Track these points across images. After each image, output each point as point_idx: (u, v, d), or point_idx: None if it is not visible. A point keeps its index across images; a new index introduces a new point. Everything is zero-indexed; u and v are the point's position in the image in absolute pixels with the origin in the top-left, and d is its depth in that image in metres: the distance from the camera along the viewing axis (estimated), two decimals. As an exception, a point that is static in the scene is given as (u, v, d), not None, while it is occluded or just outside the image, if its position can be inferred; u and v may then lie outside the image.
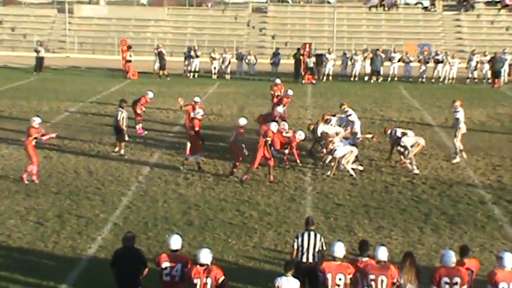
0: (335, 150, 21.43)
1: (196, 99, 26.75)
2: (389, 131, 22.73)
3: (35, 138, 20.66)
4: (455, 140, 23.42)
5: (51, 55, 49.37)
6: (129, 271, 12.22)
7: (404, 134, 22.43)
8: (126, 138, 24.14)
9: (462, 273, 11.78)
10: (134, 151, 24.36)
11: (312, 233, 13.07)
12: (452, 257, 11.90)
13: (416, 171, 21.96)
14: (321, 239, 13.04)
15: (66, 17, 55.49)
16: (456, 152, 23.45)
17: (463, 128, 23.41)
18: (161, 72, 43.04)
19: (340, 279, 11.79)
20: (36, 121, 20.93)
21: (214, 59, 43.53)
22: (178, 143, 25.54)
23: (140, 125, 26.89)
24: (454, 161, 23.33)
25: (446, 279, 11.70)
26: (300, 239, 13.00)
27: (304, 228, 13.49)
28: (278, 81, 31.56)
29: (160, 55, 43.38)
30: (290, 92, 29.00)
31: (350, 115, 23.66)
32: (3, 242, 16.28)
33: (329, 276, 11.80)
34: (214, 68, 43.55)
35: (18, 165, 22.24)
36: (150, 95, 27.63)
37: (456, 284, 11.68)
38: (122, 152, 23.75)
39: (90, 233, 16.81)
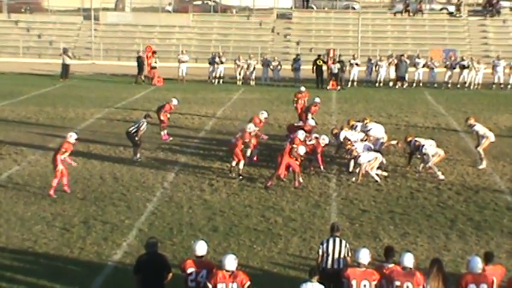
0: (359, 156, 21.37)
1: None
2: (409, 139, 22.61)
3: (64, 152, 20.27)
4: (479, 147, 23.31)
5: (77, 62, 49.67)
6: (153, 277, 12.22)
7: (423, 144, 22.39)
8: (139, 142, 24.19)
9: (489, 279, 11.70)
10: (159, 157, 24.43)
11: (337, 239, 13.06)
12: (478, 263, 11.83)
13: (442, 176, 21.83)
14: (346, 245, 13.02)
15: (92, 23, 55.80)
16: (481, 158, 23.30)
17: (491, 137, 23.24)
18: (139, 76, 43.61)
19: (364, 285, 11.75)
20: (73, 137, 20.77)
21: (239, 66, 43.64)
22: (203, 149, 25.62)
23: (165, 131, 26.98)
24: (480, 166, 23.18)
25: (472, 285, 11.62)
26: (325, 245, 12.99)
27: (329, 234, 13.46)
28: (303, 88, 31.50)
29: (139, 60, 44.00)
30: (317, 100, 29.02)
31: (370, 130, 23.74)
32: (29, 247, 16.38)
33: (354, 282, 11.76)
34: (239, 74, 43.63)
35: (44, 171, 22.37)
36: (175, 101, 27.74)
37: None
38: (138, 155, 23.85)
39: (115, 239, 16.88)
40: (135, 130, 23.81)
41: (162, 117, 26.88)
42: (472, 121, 23.56)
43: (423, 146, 21.98)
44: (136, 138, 23.79)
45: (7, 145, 25.87)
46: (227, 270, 11.62)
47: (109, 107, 34.20)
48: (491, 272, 11.94)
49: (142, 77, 43.65)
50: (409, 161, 22.98)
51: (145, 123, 24.05)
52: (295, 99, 30.58)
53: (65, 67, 45.08)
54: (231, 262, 11.69)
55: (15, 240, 16.77)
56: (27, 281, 14.62)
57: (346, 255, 12.90)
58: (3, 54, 54.24)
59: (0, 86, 40.88)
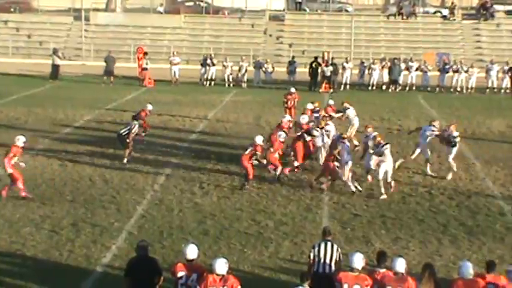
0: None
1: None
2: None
3: (13, 157, 19.78)
4: (451, 156, 22.61)
5: (67, 62, 49.41)
6: (143, 281, 12.09)
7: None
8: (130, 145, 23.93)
9: (480, 285, 11.60)
10: (150, 159, 24.25)
11: (329, 243, 12.96)
12: (469, 269, 11.77)
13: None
14: (337, 249, 12.93)
15: (83, 24, 55.57)
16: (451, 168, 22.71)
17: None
18: (105, 77, 43.45)
19: (356, 290, 11.64)
20: (21, 140, 20.22)
21: (226, 67, 43.52)
22: (194, 151, 25.45)
23: (143, 134, 26.47)
24: (448, 177, 22.50)
25: (463, 291, 11.53)
26: (316, 249, 12.90)
27: (321, 238, 13.33)
28: (293, 90, 31.28)
29: (107, 59, 44.03)
30: (309, 106, 27.17)
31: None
32: (18, 250, 16.21)
33: (345, 286, 11.69)
34: (228, 76, 43.51)
35: (33, 173, 22.18)
36: (149, 107, 27.25)
37: None
38: (127, 159, 23.63)
39: (104, 242, 16.71)
40: (126, 132, 23.62)
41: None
42: (452, 127, 22.97)
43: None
44: (128, 141, 23.59)
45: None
46: (218, 274, 11.52)
47: (99, 109, 33.99)
48: (489, 279, 11.83)
49: (112, 78, 43.38)
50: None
51: (137, 126, 23.94)
52: (285, 100, 30.50)
53: (55, 68, 44.83)
54: (221, 266, 11.57)
55: (3, 243, 16.59)
56: (15, 284, 14.46)
57: (337, 259, 12.78)
58: (-8, 54, 53.99)
59: (-11, 87, 40.61)
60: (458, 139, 22.45)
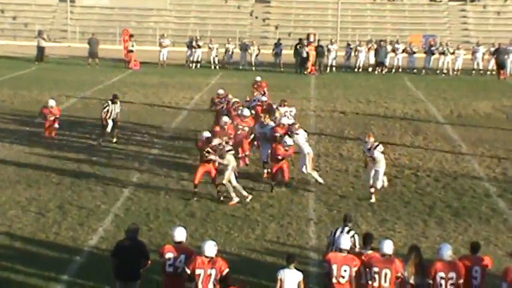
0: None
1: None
2: None
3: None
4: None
5: (53, 44, 49.14)
6: (130, 263, 12.11)
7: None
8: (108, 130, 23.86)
9: (459, 268, 11.64)
10: (136, 141, 24.20)
11: (346, 229, 13.05)
12: (448, 251, 11.83)
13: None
14: (353, 236, 12.96)
15: (68, 6, 55.29)
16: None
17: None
18: (90, 60, 43.52)
19: (345, 270, 11.68)
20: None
21: (211, 49, 43.43)
22: (180, 133, 25.39)
23: (53, 132, 24.58)
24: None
25: (441, 273, 11.58)
26: (332, 235, 13.07)
27: (342, 224, 13.41)
28: (259, 78, 28.60)
29: (91, 41, 44.06)
30: (264, 98, 24.49)
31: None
32: (4, 232, 16.15)
33: (334, 267, 11.70)
34: (214, 58, 43.39)
35: (19, 155, 22.12)
36: (51, 103, 24.83)
37: (451, 278, 11.57)
38: (101, 139, 23.67)
39: (91, 224, 16.68)
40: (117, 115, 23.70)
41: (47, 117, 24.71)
42: (371, 139, 18.89)
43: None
44: (104, 123, 23.60)
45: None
46: (206, 256, 11.54)
47: (85, 91, 33.83)
48: (474, 260, 11.88)
49: (96, 60, 43.44)
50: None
51: (110, 105, 23.76)
52: (253, 90, 27.48)
53: (40, 50, 44.64)
54: (210, 248, 11.60)
55: (-11, 225, 16.55)
56: (1, 265, 14.40)
57: (353, 246, 12.72)
58: (-23, 36, 53.67)
59: (-26, 69, 40.35)
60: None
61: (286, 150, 19.11)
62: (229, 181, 18.35)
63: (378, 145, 18.61)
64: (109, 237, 15.71)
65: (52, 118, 23.96)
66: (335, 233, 13.00)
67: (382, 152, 18.76)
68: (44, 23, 53.91)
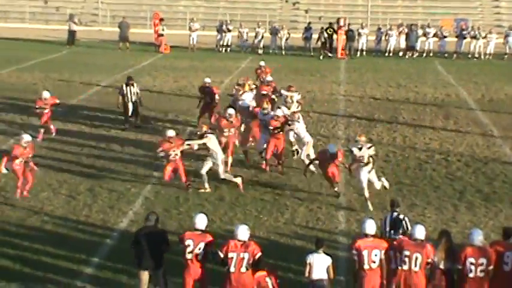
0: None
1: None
2: None
3: (16, 158, 17.16)
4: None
5: (84, 28, 49.37)
6: (151, 251, 12.09)
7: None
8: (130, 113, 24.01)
9: (490, 254, 11.54)
10: (167, 125, 24.26)
11: (395, 214, 13.11)
12: (479, 236, 11.69)
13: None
14: (403, 219, 13.03)
15: (99, -11, 55.50)
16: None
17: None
18: (121, 44, 43.70)
19: (376, 255, 11.62)
20: (25, 139, 17.50)
21: (241, 33, 43.55)
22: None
23: (42, 129, 22.70)
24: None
25: (471, 259, 11.45)
26: (382, 222, 13.17)
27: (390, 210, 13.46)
28: (262, 63, 28.47)
29: (121, 25, 44.07)
30: (270, 78, 25.41)
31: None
32: (35, 214, 16.33)
33: (365, 253, 11.59)
34: (244, 42, 43.43)
35: (51, 138, 22.29)
36: (45, 94, 23.13)
37: (482, 264, 11.47)
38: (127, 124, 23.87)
39: (121, 207, 16.81)
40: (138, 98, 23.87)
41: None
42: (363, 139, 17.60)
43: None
44: (120, 107, 23.80)
45: (13, 113, 25.78)
46: (239, 240, 11.55)
47: (115, 75, 33.98)
48: (506, 246, 11.75)
49: (127, 44, 43.61)
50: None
51: (124, 89, 23.83)
52: (256, 75, 27.63)
53: (72, 33, 44.89)
54: (243, 232, 11.62)
55: (21, 207, 16.71)
56: (33, 248, 14.57)
57: (405, 229, 12.79)
58: (10, 20, 54.06)
59: (7, 52, 40.69)
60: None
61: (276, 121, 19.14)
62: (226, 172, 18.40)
63: (371, 146, 17.38)
64: (139, 220, 15.74)
65: (47, 110, 22.95)
66: (385, 222, 13.06)
67: (375, 155, 17.64)
68: (75, 7, 54.13)
